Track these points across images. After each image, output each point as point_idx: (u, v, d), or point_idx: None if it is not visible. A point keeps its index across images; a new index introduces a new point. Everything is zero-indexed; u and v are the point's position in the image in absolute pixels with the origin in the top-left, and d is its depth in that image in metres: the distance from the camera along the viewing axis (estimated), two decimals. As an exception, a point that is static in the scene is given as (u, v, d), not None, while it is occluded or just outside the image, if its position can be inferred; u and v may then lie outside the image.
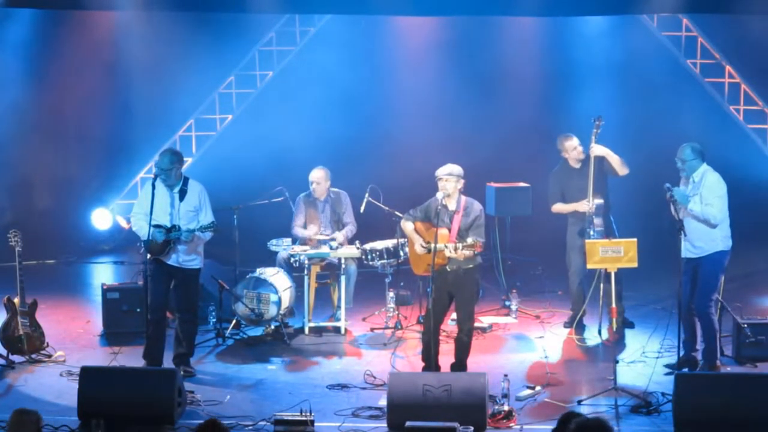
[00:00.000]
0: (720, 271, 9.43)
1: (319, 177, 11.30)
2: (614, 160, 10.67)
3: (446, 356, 9.56)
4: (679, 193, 9.27)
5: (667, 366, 9.55)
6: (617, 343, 10.07)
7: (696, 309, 9.41)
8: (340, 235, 11.20)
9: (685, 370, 9.40)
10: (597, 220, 10.60)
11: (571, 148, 10.87)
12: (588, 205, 10.58)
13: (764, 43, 13.95)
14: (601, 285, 10.37)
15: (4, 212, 14.89)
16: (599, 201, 10.64)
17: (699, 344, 9.55)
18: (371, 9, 12.58)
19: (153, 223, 9.43)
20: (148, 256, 9.64)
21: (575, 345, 10.67)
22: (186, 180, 9.71)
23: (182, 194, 9.65)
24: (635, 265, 9.30)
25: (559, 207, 10.97)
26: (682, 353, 9.49)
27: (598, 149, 10.61)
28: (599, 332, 10.77)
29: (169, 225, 9.55)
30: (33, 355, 9.97)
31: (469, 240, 9.06)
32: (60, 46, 14.57)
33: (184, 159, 10.56)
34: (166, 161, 9.57)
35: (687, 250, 9.31)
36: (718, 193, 9.29)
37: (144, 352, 9.66)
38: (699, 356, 9.55)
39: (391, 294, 11.20)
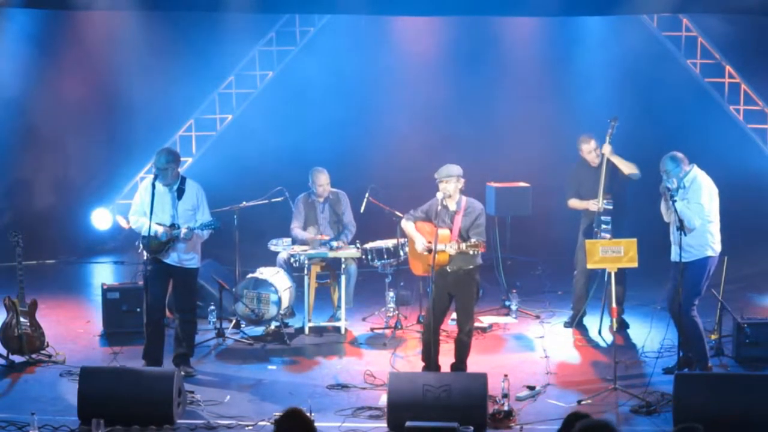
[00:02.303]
0: (705, 276, 9.35)
1: (324, 180, 11.29)
2: (622, 165, 10.67)
3: (446, 356, 9.56)
4: (671, 183, 9.24)
5: (665, 370, 9.53)
6: (617, 343, 10.05)
7: (679, 312, 9.40)
8: (340, 242, 11.19)
9: (686, 370, 9.41)
10: (606, 219, 10.60)
11: (587, 151, 10.91)
12: (597, 204, 10.61)
13: (764, 43, 13.94)
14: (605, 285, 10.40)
15: (4, 212, 14.88)
16: (609, 200, 10.64)
17: None
18: (371, 9, 12.57)
19: (155, 222, 9.46)
20: (145, 255, 9.65)
21: (575, 345, 10.68)
22: (183, 179, 9.72)
23: (180, 193, 9.66)
24: (635, 264, 9.31)
25: (574, 203, 11.01)
26: (681, 355, 9.51)
27: (606, 149, 10.62)
28: (599, 332, 10.78)
29: (168, 224, 9.57)
30: (33, 355, 9.96)
31: (473, 240, 9.07)
32: (60, 45, 14.55)
33: (185, 159, 10.56)
34: (162, 161, 9.56)
35: (676, 253, 9.30)
36: (700, 199, 9.23)
37: (144, 353, 9.66)
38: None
39: (391, 294, 11.20)
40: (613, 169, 10.67)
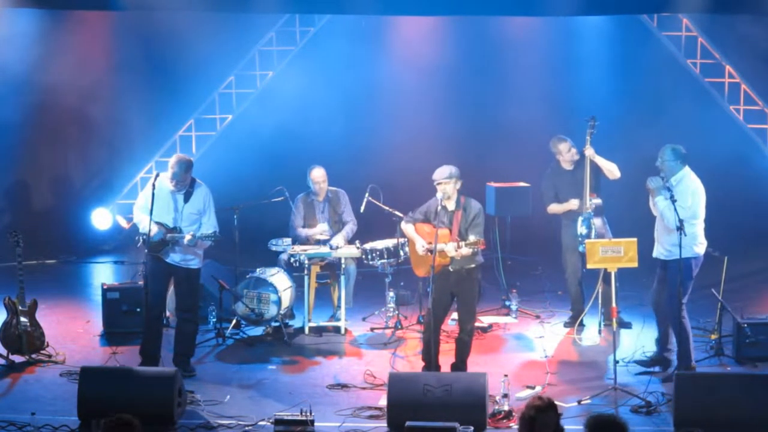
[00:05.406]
0: (689, 277, 9.27)
1: (320, 176, 11.29)
2: (605, 166, 10.66)
3: (446, 356, 9.57)
4: (655, 182, 9.24)
5: (637, 362, 9.55)
6: (617, 343, 10.05)
7: (666, 312, 9.38)
8: (340, 238, 11.17)
9: (657, 368, 9.49)
10: (596, 221, 10.61)
11: (566, 150, 10.92)
12: (581, 203, 10.62)
13: (764, 43, 13.93)
14: (600, 285, 10.40)
15: (4, 212, 14.88)
16: (597, 201, 10.65)
17: (671, 344, 9.50)
18: (371, 9, 12.56)
19: (156, 221, 9.45)
20: (146, 251, 9.64)
21: (575, 345, 10.68)
22: (192, 181, 9.69)
23: (187, 196, 9.63)
24: (635, 264, 9.31)
25: (554, 208, 11.03)
26: (655, 350, 9.58)
27: (589, 151, 10.61)
28: (599, 332, 10.78)
29: (171, 226, 9.56)
30: (33, 355, 9.95)
31: (472, 238, 9.08)
32: (59, 45, 14.55)
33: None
34: (182, 170, 9.50)
35: (658, 251, 9.30)
36: (685, 203, 9.15)
37: (141, 348, 9.66)
38: (671, 356, 9.52)
39: (391, 294, 11.20)
40: (594, 167, 10.67)
